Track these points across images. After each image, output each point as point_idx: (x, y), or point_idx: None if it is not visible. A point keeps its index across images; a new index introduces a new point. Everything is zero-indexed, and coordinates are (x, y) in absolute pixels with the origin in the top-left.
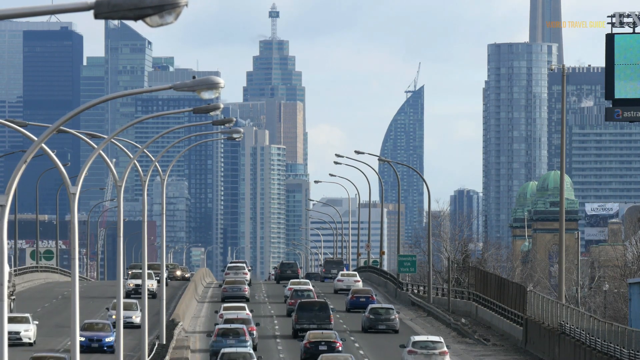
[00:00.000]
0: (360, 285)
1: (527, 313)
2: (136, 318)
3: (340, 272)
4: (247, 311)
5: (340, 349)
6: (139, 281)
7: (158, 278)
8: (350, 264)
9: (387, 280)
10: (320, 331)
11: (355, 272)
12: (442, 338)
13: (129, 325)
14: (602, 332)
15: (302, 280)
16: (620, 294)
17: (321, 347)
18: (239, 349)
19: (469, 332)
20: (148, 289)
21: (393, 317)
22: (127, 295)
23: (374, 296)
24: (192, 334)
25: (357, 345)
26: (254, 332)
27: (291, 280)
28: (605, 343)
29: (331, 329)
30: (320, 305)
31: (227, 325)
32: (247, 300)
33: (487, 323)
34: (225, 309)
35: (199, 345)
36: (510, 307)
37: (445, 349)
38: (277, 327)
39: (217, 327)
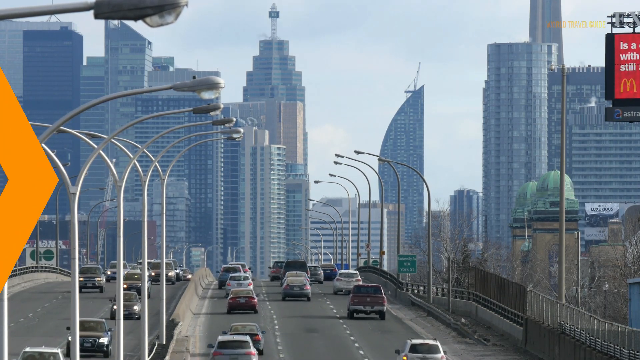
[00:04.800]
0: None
1: (527, 313)
2: None
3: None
4: (246, 267)
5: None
6: None
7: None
8: (350, 264)
9: (387, 280)
10: (296, 272)
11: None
12: (357, 272)
13: None
14: (602, 332)
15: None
16: (620, 294)
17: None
18: (240, 274)
19: (469, 332)
20: None
21: (319, 272)
22: None
23: (336, 268)
24: (194, 325)
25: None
26: (248, 272)
27: (274, 261)
28: (605, 343)
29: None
30: (301, 264)
31: (229, 265)
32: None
33: (487, 323)
34: (229, 263)
35: (199, 346)
36: (510, 307)
37: (359, 277)
38: (276, 327)
39: (223, 266)
